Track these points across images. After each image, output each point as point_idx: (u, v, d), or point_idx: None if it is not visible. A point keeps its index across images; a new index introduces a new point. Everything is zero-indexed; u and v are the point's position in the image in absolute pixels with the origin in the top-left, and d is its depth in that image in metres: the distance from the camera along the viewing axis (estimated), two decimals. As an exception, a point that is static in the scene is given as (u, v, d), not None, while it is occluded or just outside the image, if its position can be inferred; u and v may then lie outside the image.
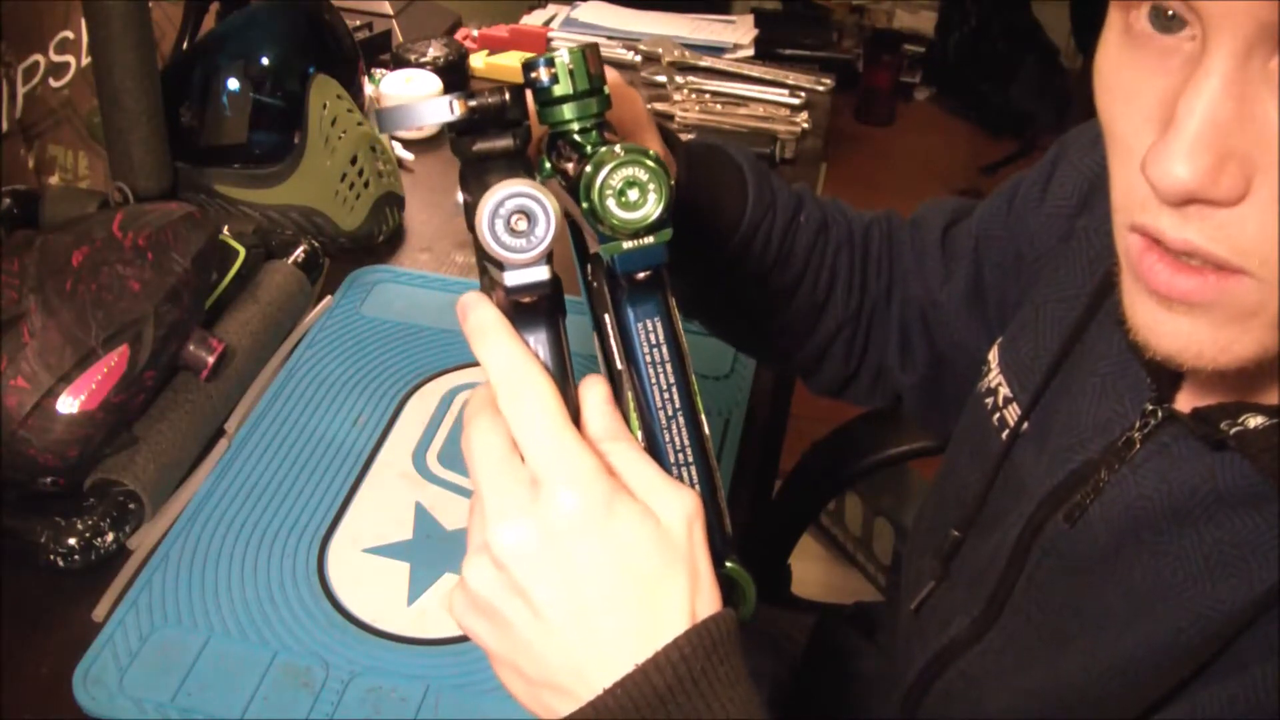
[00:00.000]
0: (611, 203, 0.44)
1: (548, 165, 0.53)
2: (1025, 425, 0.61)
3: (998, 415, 0.64)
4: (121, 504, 0.74)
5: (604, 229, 0.45)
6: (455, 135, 0.50)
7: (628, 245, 0.45)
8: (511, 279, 0.43)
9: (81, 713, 0.64)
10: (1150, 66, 0.40)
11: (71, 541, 0.71)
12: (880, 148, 3.17)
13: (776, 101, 1.33)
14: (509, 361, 0.44)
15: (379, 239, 1.05)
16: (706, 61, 1.41)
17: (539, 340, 0.45)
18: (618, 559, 0.42)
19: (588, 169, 0.44)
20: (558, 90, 0.48)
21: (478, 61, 1.38)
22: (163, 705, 0.64)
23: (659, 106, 1.32)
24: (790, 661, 0.91)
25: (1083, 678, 0.52)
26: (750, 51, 1.47)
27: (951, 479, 0.69)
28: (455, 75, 1.33)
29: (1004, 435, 0.62)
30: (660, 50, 1.42)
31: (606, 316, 0.48)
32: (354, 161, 1.01)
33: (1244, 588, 0.46)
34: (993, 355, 0.66)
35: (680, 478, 0.47)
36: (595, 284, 0.49)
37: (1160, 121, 0.38)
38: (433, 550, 0.75)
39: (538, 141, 0.55)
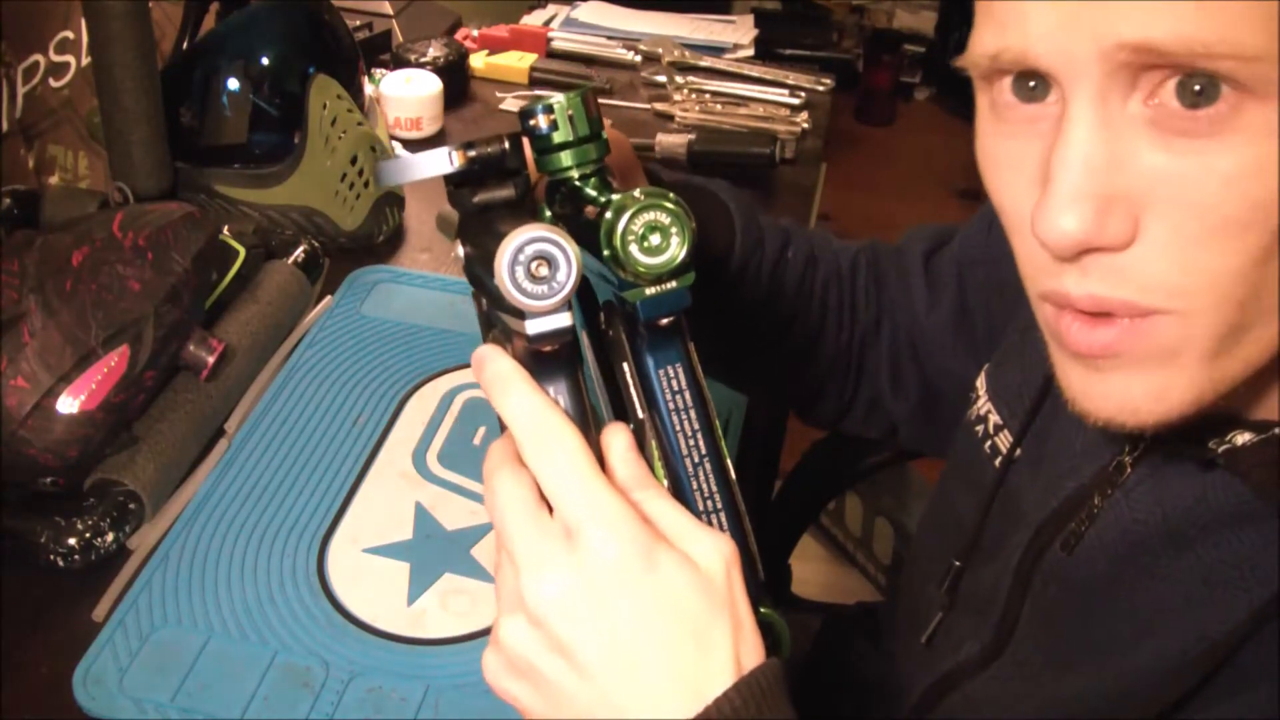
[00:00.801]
0: (634, 248, 0.43)
1: (548, 214, 0.52)
2: (1018, 451, 0.61)
3: (989, 443, 0.63)
4: (121, 504, 0.74)
5: (626, 275, 0.44)
6: (453, 187, 0.48)
7: (651, 291, 0.44)
8: (533, 327, 0.42)
9: (81, 713, 0.64)
10: (1022, 134, 0.41)
11: (71, 541, 0.71)
12: (880, 148, 3.17)
13: (776, 101, 1.33)
14: (532, 412, 0.42)
15: (379, 239, 1.05)
16: (706, 61, 1.41)
17: (559, 390, 0.44)
18: (663, 608, 0.40)
19: (608, 215, 0.43)
20: (557, 137, 0.47)
21: (478, 61, 1.39)
22: (163, 705, 0.64)
23: (659, 106, 1.32)
24: (791, 663, 0.91)
25: (1088, 698, 0.52)
26: (750, 51, 1.47)
27: (946, 507, 0.68)
28: (455, 75, 1.33)
29: (996, 463, 0.62)
30: (660, 50, 1.42)
31: (625, 365, 0.46)
32: (354, 161, 1.01)
33: (1244, 604, 0.45)
34: (980, 382, 0.66)
35: (710, 524, 0.46)
36: (610, 333, 0.47)
37: (1041, 183, 0.39)
38: (433, 550, 0.75)
39: (534, 190, 0.54)
